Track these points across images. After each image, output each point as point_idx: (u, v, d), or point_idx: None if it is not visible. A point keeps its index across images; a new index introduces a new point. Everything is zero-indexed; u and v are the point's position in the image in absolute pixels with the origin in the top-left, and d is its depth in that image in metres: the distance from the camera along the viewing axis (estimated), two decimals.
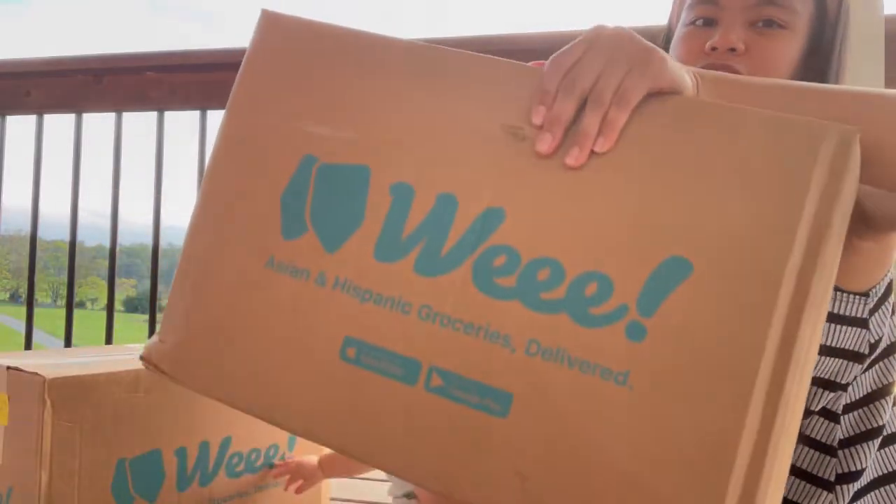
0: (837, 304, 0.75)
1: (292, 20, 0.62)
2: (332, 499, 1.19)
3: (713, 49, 0.79)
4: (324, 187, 0.57)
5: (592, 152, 0.51)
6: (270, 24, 0.62)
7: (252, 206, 0.59)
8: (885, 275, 0.77)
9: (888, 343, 0.79)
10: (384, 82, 0.57)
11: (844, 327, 0.76)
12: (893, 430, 0.81)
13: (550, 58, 0.53)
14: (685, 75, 0.54)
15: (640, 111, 0.50)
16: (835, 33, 0.82)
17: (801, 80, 0.83)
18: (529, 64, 0.55)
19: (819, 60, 0.82)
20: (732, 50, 0.79)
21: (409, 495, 0.95)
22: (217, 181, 0.61)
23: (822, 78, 0.82)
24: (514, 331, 0.49)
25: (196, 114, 1.76)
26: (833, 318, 0.75)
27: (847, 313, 0.76)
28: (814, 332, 0.48)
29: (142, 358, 0.61)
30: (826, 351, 0.76)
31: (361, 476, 1.23)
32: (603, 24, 0.55)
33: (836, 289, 0.75)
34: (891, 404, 0.81)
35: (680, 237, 0.47)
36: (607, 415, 0.46)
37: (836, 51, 0.82)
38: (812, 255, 0.45)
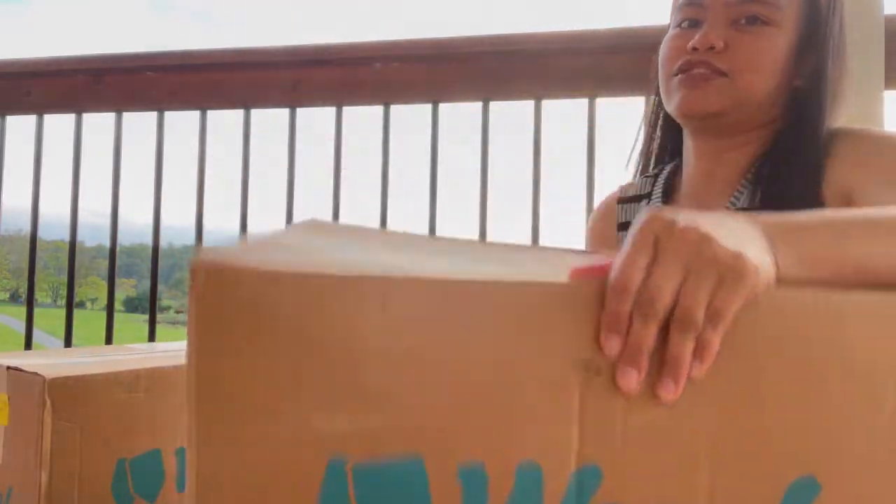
0: None
1: (247, 271, 0.40)
2: None
3: (694, 49, 0.81)
4: (369, 494, 0.42)
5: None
6: (217, 286, 0.40)
7: None
8: None
9: None
10: (400, 332, 0.42)
11: None
12: None
13: (613, 270, 0.43)
14: (770, 262, 0.45)
15: None
16: (827, 28, 0.82)
17: (793, 77, 0.83)
18: (569, 271, 0.45)
19: (815, 58, 0.82)
20: (712, 48, 0.80)
21: None
22: None
23: (818, 75, 0.82)
24: None
25: (196, 114, 1.76)
26: None
27: None
28: None
29: None
30: None
31: None
32: (658, 212, 0.44)
33: None
34: None
35: (802, 454, 0.42)
36: None
37: (830, 46, 0.82)
38: None
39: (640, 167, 0.97)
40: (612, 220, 0.97)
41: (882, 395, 0.42)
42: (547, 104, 1.58)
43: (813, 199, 0.78)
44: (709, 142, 0.86)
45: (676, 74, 0.83)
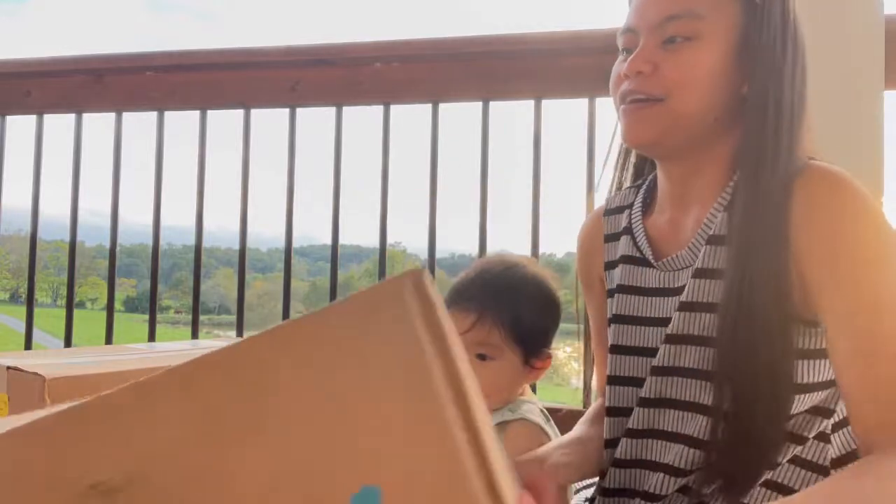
0: (819, 339, 0.76)
1: None
2: None
3: (626, 76, 0.81)
4: None
5: None
6: None
7: None
8: None
9: None
10: None
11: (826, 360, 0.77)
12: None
13: None
14: None
15: None
16: (762, 29, 0.79)
17: (740, 84, 0.80)
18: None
19: (754, 61, 0.79)
20: (641, 73, 0.80)
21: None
22: None
23: (756, 78, 0.79)
24: None
25: (196, 114, 1.77)
26: (820, 353, 0.76)
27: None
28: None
29: None
30: (819, 386, 0.77)
31: None
32: None
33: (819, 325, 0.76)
34: None
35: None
36: None
37: (768, 47, 0.79)
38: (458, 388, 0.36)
39: (617, 182, 0.98)
40: (599, 233, 0.97)
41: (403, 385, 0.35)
42: (547, 104, 1.58)
43: (778, 235, 0.75)
44: (672, 168, 0.86)
45: (621, 105, 0.84)
